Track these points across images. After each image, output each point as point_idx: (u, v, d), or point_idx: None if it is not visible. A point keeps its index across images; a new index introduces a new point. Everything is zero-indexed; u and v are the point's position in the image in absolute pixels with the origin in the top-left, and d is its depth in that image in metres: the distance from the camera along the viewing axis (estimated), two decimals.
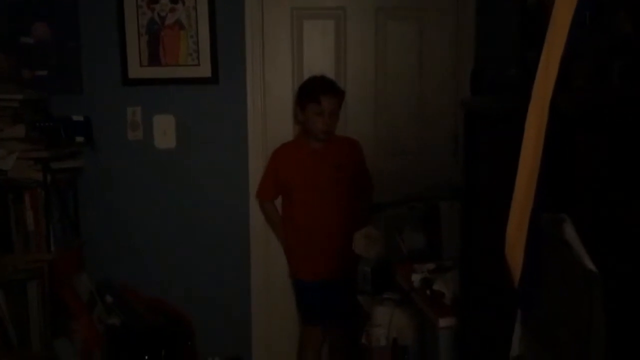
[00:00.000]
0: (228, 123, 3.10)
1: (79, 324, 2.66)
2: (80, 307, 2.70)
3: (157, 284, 3.07)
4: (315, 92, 2.88)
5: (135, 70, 3.01)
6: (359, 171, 3.05)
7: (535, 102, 1.14)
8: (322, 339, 3.10)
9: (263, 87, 3.11)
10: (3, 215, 2.64)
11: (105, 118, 3.01)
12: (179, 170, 3.10)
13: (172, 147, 3.08)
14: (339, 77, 3.11)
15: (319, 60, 3.14)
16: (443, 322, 1.99)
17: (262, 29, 3.08)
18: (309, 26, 3.15)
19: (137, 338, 2.76)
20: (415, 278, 2.24)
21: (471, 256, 1.85)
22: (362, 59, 3.19)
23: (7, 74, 2.88)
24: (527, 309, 1.29)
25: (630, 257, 1.01)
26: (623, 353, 1.04)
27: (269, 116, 3.14)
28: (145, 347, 2.75)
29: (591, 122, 1.10)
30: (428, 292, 2.14)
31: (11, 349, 2.64)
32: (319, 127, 2.89)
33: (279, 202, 3.12)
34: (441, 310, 2.03)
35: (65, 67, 2.96)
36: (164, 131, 3.07)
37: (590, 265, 1.05)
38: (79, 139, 2.85)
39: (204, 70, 3.03)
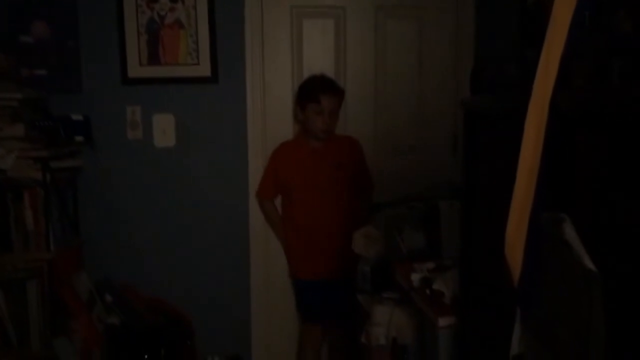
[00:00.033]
0: (228, 122, 3.10)
1: (79, 323, 2.66)
2: (79, 307, 2.70)
3: (156, 283, 3.07)
4: (315, 92, 2.87)
5: (135, 70, 3.01)
6: (359, 170, 3.05)
7: (535, 101, 1.14)
8: (321, 338, 3.10)
9: (263, 86, 3.11)
10: (2, 214, 2.63)
11: (105, 117, 3.00)
12: (178, 170, 3.10)
13: (171, 146, 3.08)
14: (338, 76, 3.11)
15: (318, 59, 3.14)
16: (442, 322, 1.99)
17: (262, 28, 3.08)
18: (308, 25, 3.15)
19: (136, 337, 2.76)
20: (415, 277, 2.24)
21: (471, 255, 1.85)
22: (361, 58, 3.18)
23: (7, 73, 2.87)
24: (527, 308, 1.29)
25: (629, 257, 1.01)
26: (622, 352, 1.04)
27: (269, 115, 3.14)
28: (145, 346, 2.75)
29: (591, 121, 1.10)
30: (427, 291, 2.14)
31: (11, 348, 2.64)
32: (319, 126, 2.89)
33: (278, 201, 3.12)
34: (441, 310, 2.03)
35: (65, 66, 2.96)
36: (164, 130, 3.07)
37: (589, 264, 1.05)
38: (79, 138, 2.85)
39: (204, 69, 3.03)
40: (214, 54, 3.02)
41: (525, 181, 1.17)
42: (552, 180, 1.16)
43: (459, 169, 2.50)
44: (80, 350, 2.65)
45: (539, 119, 1.13)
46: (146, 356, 2.73)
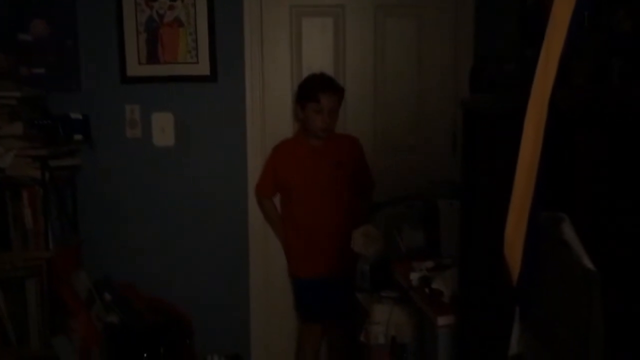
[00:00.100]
0: (227, 121, 3.10)
1: (78, 322, 2.66)
2: (78, 305, 2.70)
3: (155, 282, 3.07)
4: (314, 90, 2.87)
5: (134, 68, 3.00)
6: (359, 169, 3.05)
7: (534, 100, 1.14)
8: (321, 337, 3.10)
9: (262, 85, 3.11)
10: (1, 213, 2.63)
11: (104, 116, 3.00)
12: (177, 169, 3.10)
13: (170, 145, 3.08)
14: (337, 75, 3.11)
15: (317, 57, 3.14)
16: (442, 321, 1.99)
17: (261, 27, 3.08)
18: (307, 24, 3.15)
19: (135, 336, 2.76)
20: (414, 276, 2.24)
21: (470, 255, 1.85)
22: (361, 56, 3.18)
23: (6, 71, 2.87)
24: (526, 308, 1.29)
25: (629, 257, 1.01)
26: (622, 352, 1.04)
27: (268, 114, 3.14)
28: (144, 345, 2.75)
29: (591, 121, 1.10)
30: (427, 290, 2.14)
31: (10, 346, 2.64)
32: (319, 125, 2.89)
33: (276, 200, 3.12)
34: (440, 309, 2.03)
35: (64, 65, 2.95)
36: (163, 129, 3.06)
37: (589, 264, 1.05)
38: (77, 136, 2.85)
39: (203, 68, 3.03)
40: (213, 53, 3.02)
41: (525, 180, 1.17)
42: (551, 180, 1.15)
43: (458, 168, 2.50)
44: (79, 348, 2.65)
45: (538, 118, 1.12)
46: (145, 355, 2.74)
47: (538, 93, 1.13)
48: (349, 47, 3.17)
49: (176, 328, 2.89)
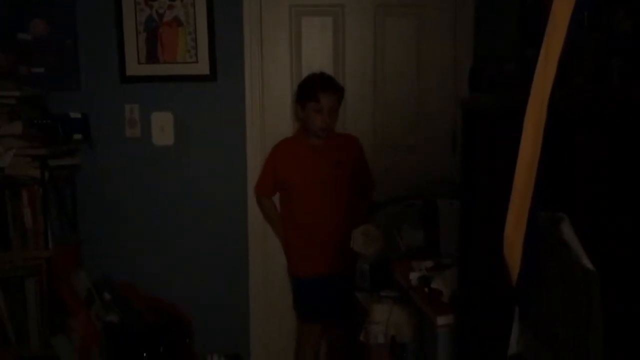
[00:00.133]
0: (226, 120, 3.10)
1: (77, 321, 2.66)
2: (78, 305, 2.70)
3: (155, 281, 3.07)
4: (314, 90, 2.87)
5: (133, 68, 3.00)
6: (359, 168, 3.05)
7: (534, 100, 1.14)
8: (320, 336, 3.10)
9: (261, 84, 3.10)
10: (1, 212, 2.63)
11: (103, 115, 3.00)
12: (177, 168, 3.10)
13: (170, 144, 3.08)
14: (337, 75, 3.11)
15: (317, 57, 3.14)
16: (441, 320, 1.99)
17: (261, 26, 3.07)
18: (307, 23, 3.15)
19: (135, 336, 2.76)
20: (414, 276, 2.24)
21: (469, 254, 1.85)
22: (360, 56, 3.18)
23: (5, 71, 2.87)
24: (525, 307, 1.29)
25: (628, 257, 1.01)
26: (621, 351, 1.04)
27: (267, 113, 3.14)
28: (144, 344, 2.75)
29: (591, 121, 1.10)
30: (426, 290, 2.14)
31: (9, 346, 2.65)
32: (318, 124, 2.89)
33: (276, 199, 3.12)
34: (439, 309, 2.03)
35: (63, 64, 2.95)
36: (162, 128, 3.06)
37: (588, 264, 1.05)
38: (77, 136, 2.85)
39: (202, 67, 3.02)
40: (213, 52, 3.02)
41: (524, 180, 1.17)
42: (551, 180, 1.15)
43: (458, 167, 2.50)
44: (78, 348, 2.65)
45: (538, 118, 1.12)
46: (145, 355, 2.74)
47: (537, 93, 1.13)
48: (348, 47, 3.17)
49: (176, 328, 2.89)
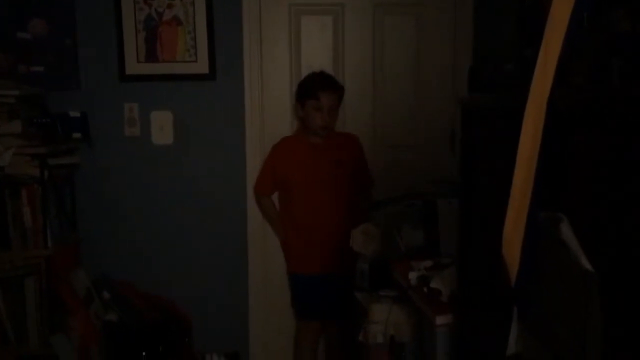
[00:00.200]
0: (226, 119, 3.09)
1: (76, 320, 2.66)
2: (77, 303, 2.70)
3: (154, 280, 3.07)
4: (314, 89, 2.87)
5: (133, 67, 3.00)
6: (359, 167, 3.05)
7: (533, 99, 1.14)
8: (319, 335, 3.10)
9: (261, 84, 3.10)
10: (0, 211, 2.63)
11: (103, 114, 3.00)
12: (176, 167, 3.10)
13: (169, 143, 3.08)
14: (337, 73, 3.10)
15: (317, 56, 3.13)
16: (440, 320, 1.99)
17: (260, 25, 3.07)
18: (307, 22, 3.15)
19: (134, 334, 2.76)
20: (413, 275, 2.24)
21: (468, 254, 1.85)
22: (360, 55, 3.18)
23: (4, 70, 2.87)
24: (524, 307, 1.29)
25: (627, 257, 1.01)
26: (620, 352, 1.04)
27: (267, 112, 3.14)
28: (143, 343, 2.75)
29: (590, 121, 1.10)
30: (425, 289, 2.14)
31: (8, 345, 2.65)
32: (318, 123, 2.89)
33: (275, 197, 3.12)
34: (438, 308, 2.03)
35: (62, 63, 2.95)
36: (161, 127, 3.06)
37: (587, 265, 1.05)
38: (76, 135, 2.85)
39: (202, 66, 3.02)
40: (212, 51, 3.02)
41: (523, 180, 1.17)
42: (550, 179, 1.16)
43: (457, 167, 2.50)
44: (78, 347, 2.66)
45: (537, 118, 1.12)
46: (144, 353, 2.74)
47: (537, 93, 1.13)
48: (348, 46, 3.17)
49: (175, 326, 2.89)
